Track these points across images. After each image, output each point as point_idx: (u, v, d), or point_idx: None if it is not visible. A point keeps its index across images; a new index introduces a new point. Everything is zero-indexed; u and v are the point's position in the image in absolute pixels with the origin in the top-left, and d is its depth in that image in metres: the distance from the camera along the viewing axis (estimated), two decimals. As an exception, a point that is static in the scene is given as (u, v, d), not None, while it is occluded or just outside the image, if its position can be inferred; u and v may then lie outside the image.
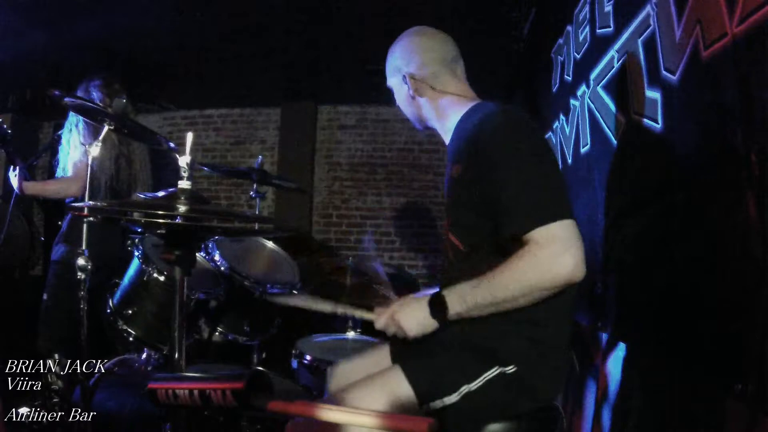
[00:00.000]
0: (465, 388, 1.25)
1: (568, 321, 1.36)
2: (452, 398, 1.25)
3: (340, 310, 1.50)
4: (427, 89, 1.52)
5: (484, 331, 1.29)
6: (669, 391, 1.42)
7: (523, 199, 1.20)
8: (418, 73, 1.52)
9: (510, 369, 1.25)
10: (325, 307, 1.51)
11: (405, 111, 1.63)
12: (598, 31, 2.14)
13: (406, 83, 1.54)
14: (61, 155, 2.88)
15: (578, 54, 2.44)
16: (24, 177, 2.79)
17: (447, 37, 1.57)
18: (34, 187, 2.85)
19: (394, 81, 1.61)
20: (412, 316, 1.31)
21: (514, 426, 1.27)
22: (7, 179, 2.90)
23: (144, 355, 2.24)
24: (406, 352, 1.42)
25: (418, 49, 1.54)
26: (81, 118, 2.74)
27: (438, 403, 1.25)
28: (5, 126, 2.74)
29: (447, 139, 1.53)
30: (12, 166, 2.78)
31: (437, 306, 1.28)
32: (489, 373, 1.25)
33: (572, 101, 2.54)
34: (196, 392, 0.75)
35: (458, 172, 1.38)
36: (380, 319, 1.38)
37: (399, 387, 1.27)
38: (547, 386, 1.31)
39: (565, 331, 1.35)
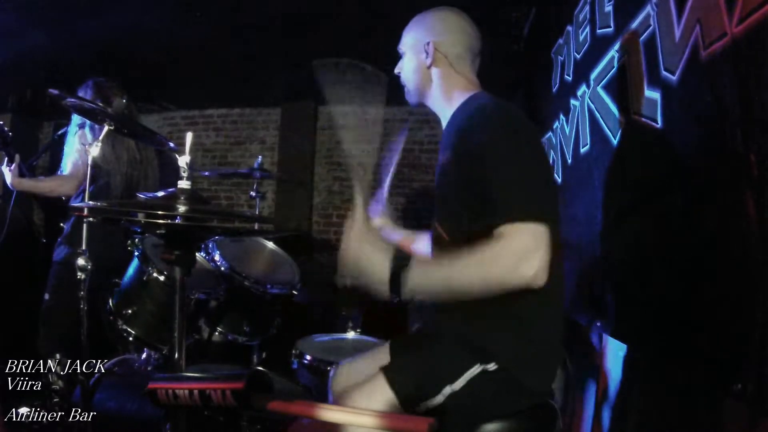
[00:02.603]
0: (448, 389, 1.24)
1: (558, 317, 1.35)
2: (437, 400, 1.24)
3: None
4: (446, 64, 1.49)
5: (471, 326, 1.29)
6: (669, 391, 1.42)
7: (503, 194, 1.19)
8: (443, 48, 1.49)
9: (491, 366, 1.24)
10: None
11: (407, 79, 1.57)
12: (598, 31, 2.14)
13: (426, 50, 1.50)
14: (64, 155, 2.89)
15: (578, 54, 2.45)
16: (20, 173, 2.78)
17: (479, 32, 1.56)
18: (26, 183, 2.84)
19: (410, 47, 1.55)
20: (365, 262, 1.28)
21: (509, 425, 1.27)
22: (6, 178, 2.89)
23: (144, 355, 2.24)
24: (393, 357, 1.41)
25: (455, 28, 1.52)
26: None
27: (422, 407, 1.25)
28: (6, 128, 2.74)
29: (444, 123, 1.52)
30: (8, 161, 2.77)
31: (394, 282, 1.25)
32: (471, 371, 1.24)
33: (572, 101, 2.54)
34: (196, 392, 0.75)
35: (447, 160, 1.38)
36: (349, 231, 1.33)
37: (383, 395, 1.26)
38: (535, 383, 1.29)
39: (555, 328, 1.34)
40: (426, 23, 1.55)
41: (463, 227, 1.32)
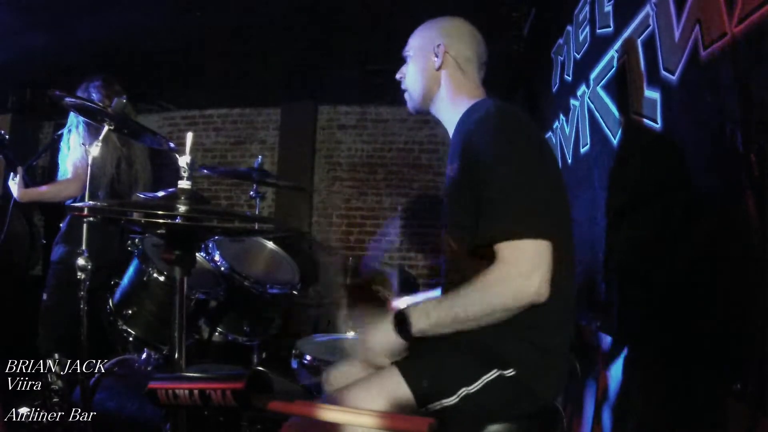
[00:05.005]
0: (463, 391, 1.24)
1: (570, 324, 1.36)
2: (451, 400, 1.24)
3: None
4: (455, 68, 1.49)
5: (484, 334, 1.28)
6: (669, 391, 1.42)
7: (500, 207, 1.18)
8: (454, 51, 1.50)
9: (509, 372, 1.24)
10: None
11: (412, 83, 1.55)
12: (598, 31, 2.14)
13: (436, 52, 1.50)
14: (60, 157, 2.89)
15: (578, 54, 2.45)
16: (24, 183, 2.80)
17: (485, 42, 1.57)
18: (32, 193, 2.86)
19: (419, 49, 1.54)
20: (377, 335, 1.33)
21: (513, 427, 1.27)
22: (6, 180, 2.90)
23: (144, 355, 2.24)
24: (404, 356, 1.41)
25: (466, 34, 1.53)
26: (81, 119, 2.75)
27: (436, 405, 1.25)
28: (3, 131, 2.75)
29: (450, 131, 1.50)
30: (12, 173, 2.79)
31: (400, 323, 1.28)
32: (488, 375, 1.24)
33: (572, 101, 2.54)
34: (196, 392, 0.75)
35: (454, 170, 1.37)
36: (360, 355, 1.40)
37: (397, 389, 1.26)
38: (547, 389, 1.30)
39: (567, 335, 1.34)
40: (437, 26, 1.55)
41: (472, 238, 1.31)
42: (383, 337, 1.31)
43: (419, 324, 1.25)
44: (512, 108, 1.35)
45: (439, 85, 1.51)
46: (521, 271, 1.13)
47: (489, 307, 1.18)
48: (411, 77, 1.55)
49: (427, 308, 1.26)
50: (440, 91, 1.52)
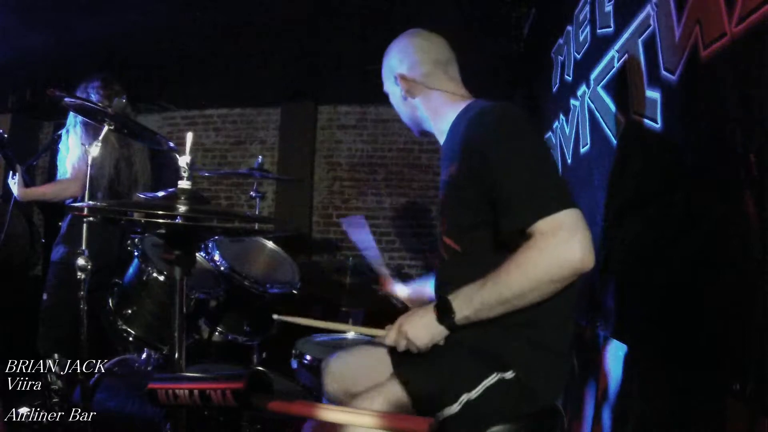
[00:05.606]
0: (465, 397, 1.23)
1: (569, 323, 1.35)
2: (453, 408, 1.23)
3: (352, 331, 1.53)
4: (420, 88, 1.51)
5: (483, 336, 1.28)
6: (669, 391, 1.42)
7: (524, 193, 1.18)
8: (410, 73, 1.51)
9: (509, 375, 1.24)
10: (337, 327, 1.54)
11: (401, 114, 1.62)
12: (598, 31, 2.14)
13: (398, 84, 1.54)
14: (59, 158, 2.89)
15: (578, 54, 2.44)
16: (24, 183, 2.80)
17: (441, 40, 1.56)
18: (33, 193, 2.86)
19: (388, 84, 1.60)
20: (420, 326, 1.28)
21: (514, 427, 1.27)
22: (6, 179, 2.90)
23: (144, 355, 2.24)
24: (404, 362, 1.39)
25: (411, 50, 1.54)
26: (80, 119, 2.75)
27: (439, 416, 1.25)
28: (1, 130, 2.76)
29: (442, 139, 1.52)
30: (12, 172, 2.79)
31: (443, 311, 1.25)
32: (488, 380, 1.24)
33: (572, 101, 2.54)
34: (196, 392, 0.75)
35: (454, 171, 1.37)
36: (389, 335, 1.34)
37: (399, 400, 1.26)
38: (547, 390, 1.30)
39: (566, 334, 1.34)
40: (388, 58, 1.59)
41: (481, 236, 1.31)
42: (426, 327, 1.27)
43: (463, 311, 1.22)
44: (503, 103, 1.36)
45: (416, 107, 1.54)
46: (561, 239, 1.12)
47: (534, 280, 1.15)
48: (397, 109, 1.62)
49: (470, 293, 1.22)
50: (420, 111, 1.55)
